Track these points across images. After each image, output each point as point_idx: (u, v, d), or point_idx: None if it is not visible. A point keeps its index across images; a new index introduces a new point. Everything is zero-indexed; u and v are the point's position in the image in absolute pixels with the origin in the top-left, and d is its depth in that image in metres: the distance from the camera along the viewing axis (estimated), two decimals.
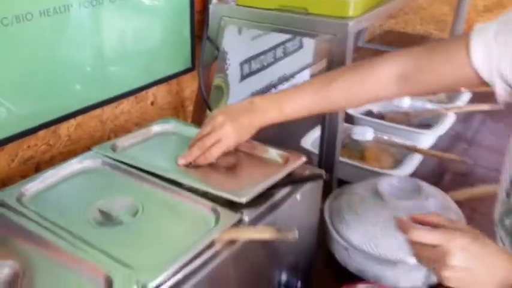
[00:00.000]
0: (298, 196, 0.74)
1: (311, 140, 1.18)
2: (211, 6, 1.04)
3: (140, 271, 0.55)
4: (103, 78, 0.96)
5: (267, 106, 0.78)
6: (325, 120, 0.98)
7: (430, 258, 0.59)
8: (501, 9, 1.94)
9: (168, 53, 1.09)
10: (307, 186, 0.76)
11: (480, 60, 0.65)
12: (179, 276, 0.57)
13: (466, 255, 0.56)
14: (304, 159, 0.78)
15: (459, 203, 0.90)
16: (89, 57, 0.93)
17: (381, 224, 0.82)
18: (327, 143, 0.99)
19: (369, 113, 1.35)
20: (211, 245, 0.62)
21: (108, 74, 0.97)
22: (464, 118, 1.39)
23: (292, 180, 0.73)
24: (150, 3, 1.01)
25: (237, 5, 1.00)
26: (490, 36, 0.64)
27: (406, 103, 1.34)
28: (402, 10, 2.16)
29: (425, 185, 0.88)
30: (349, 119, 1.28)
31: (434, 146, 1.25)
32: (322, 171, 0.75)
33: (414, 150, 1.12)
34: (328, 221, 0.88)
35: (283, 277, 0.78)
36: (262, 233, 0.64)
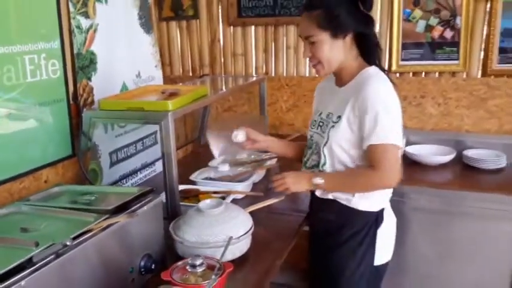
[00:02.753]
0: (145, 208, 1.28)
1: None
2: (83, 114, 1.61)
3: (53, 239, 1.03)
4: (11, 164, 1.45)
5: None
6: (166, 185, 1.55)
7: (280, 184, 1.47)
8: (297, 109, 2.79)
9: (56, 145, 1.61)
10: (151, 204, 1.30)
11: None
12: (75, 241, 1.06)
13: (291, 174, 1.47)
14: (149, 188, 1.33)
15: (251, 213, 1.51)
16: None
17: (200, 225, 1.38)
18: (169, 197, 1.56)
19: (207, 178, 1.95)
20: (90, 230, 1.12)
21: (14, 162, 1.46)
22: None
23: (137, 196, 1.28)
24: (39, 115, 1.55)
25: (100, 109, 1.58)
26: None
27: (226, 169, 1.96)
28: None
29: (226, 202, 1.48)
30: (192, 182, 1.87)
31: (253, 190, 1.88)
32: (153, 189, 1.32)
33: (229, 192, 1.74)
34: (172, 231, 1.41)
35: (142, 262, 1.27)
36: (120, 218, 1.16)
